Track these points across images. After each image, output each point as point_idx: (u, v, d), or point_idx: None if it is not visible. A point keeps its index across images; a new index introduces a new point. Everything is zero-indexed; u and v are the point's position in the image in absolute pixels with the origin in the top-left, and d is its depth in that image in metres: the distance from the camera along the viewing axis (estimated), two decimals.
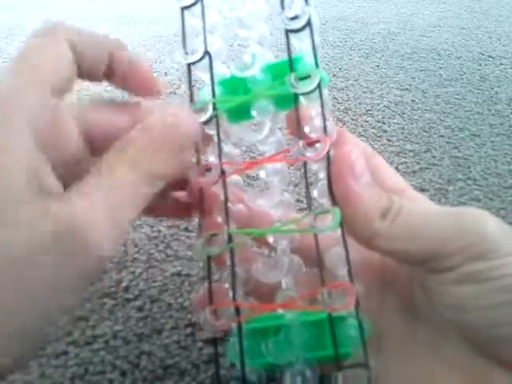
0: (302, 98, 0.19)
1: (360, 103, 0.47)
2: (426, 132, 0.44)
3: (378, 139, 0.42)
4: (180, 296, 0.28)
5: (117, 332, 0.26)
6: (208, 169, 0.19)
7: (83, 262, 0.14)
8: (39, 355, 0.25)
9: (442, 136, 0.43)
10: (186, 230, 0.32)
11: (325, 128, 0.18)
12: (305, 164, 0.18)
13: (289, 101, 0.19)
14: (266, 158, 0.20)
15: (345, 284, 0.17)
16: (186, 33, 0.20)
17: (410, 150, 0.41)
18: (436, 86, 0.51)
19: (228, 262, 0.19)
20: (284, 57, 0.19)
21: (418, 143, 0.42)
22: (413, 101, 0.48)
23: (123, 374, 0.24)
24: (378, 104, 0.47)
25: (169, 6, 0.66)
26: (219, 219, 0.19)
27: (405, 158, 0.40)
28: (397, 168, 0.39)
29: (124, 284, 0.28)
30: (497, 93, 0.50)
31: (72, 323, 0.26)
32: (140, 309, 0.27)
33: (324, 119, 0.18)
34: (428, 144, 0.42)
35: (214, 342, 0.18)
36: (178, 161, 0.17)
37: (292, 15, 0.19)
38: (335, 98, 0.48)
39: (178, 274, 0.29)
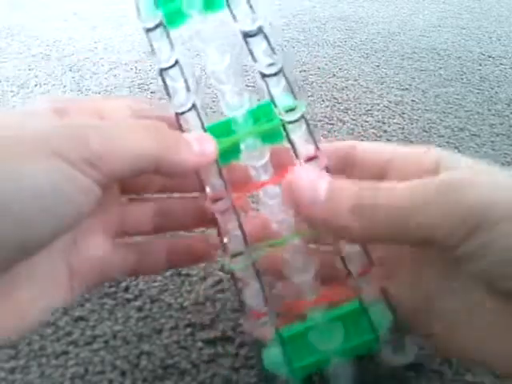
0: (289, 126, 0.21)
1: (360, 103, 0.47)
2: (426, 132, 0.44)
3: (378, 139, 0.42)
4: (180, 296, 0.28)
5: (117, 332, 0.26)
6: (218, 199, 0.21)
7: None
8: (39, 355, 0.25)
9: (442, 136, 0.43)
10: None
11: (316, 144, 0.21)
12: None
13: (274, 135, 0.22)
14: (270, 180, 0.21)
15: (368, 270, 0.20)
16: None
17: None
18: (436, 86, 0.51)
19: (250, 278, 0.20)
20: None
21: (418, 143, 0.42)
22: (413, 101, 0.48)
23: (123, 374, 0.24)
24: (378, 104, 0.47)
25: None
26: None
27: None
28: None
29: (124, 284, 0.28)
30: (497, 93, 0.50)
31: (72, 323, 0.26)
32: (140, 309, 0.27)
33: (314, 137, 0.21)
34: (428, 144, 0.42)
35: (257, 350, 0.20)
36: None
37: (267, 63, 0.21)
38: (335, 98, 0.48)
39: (178, 274, 0.29)
